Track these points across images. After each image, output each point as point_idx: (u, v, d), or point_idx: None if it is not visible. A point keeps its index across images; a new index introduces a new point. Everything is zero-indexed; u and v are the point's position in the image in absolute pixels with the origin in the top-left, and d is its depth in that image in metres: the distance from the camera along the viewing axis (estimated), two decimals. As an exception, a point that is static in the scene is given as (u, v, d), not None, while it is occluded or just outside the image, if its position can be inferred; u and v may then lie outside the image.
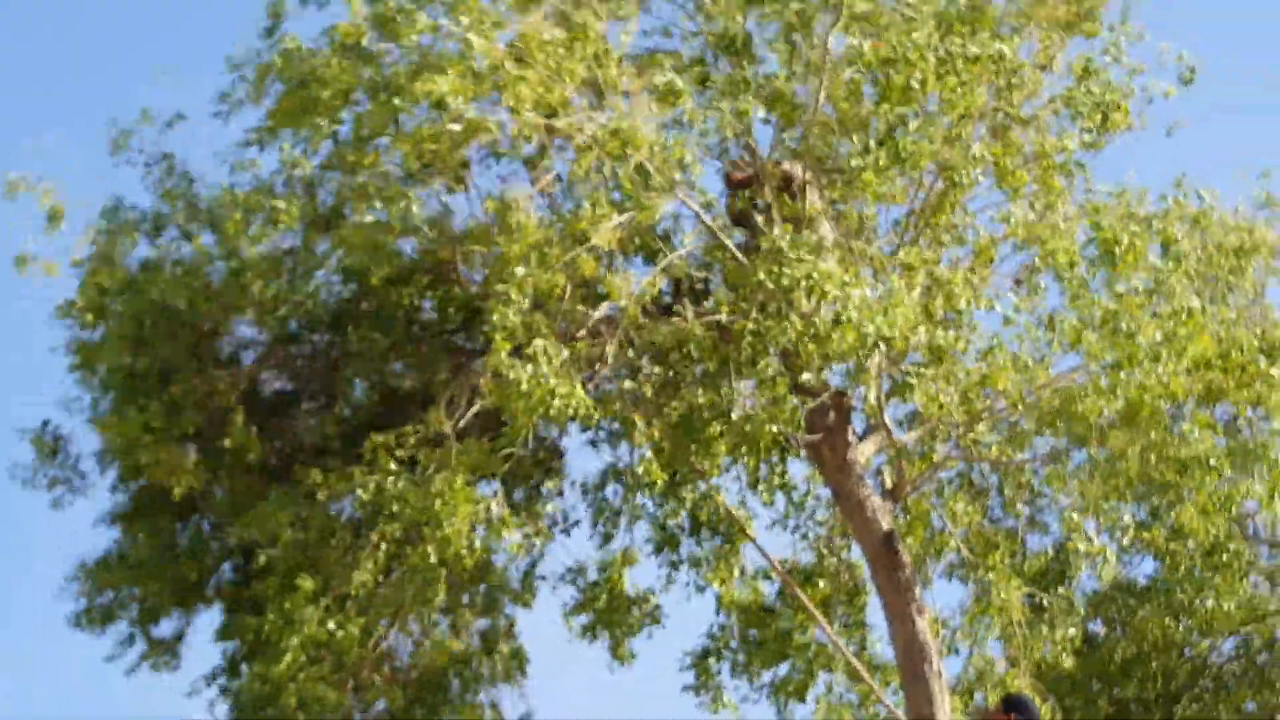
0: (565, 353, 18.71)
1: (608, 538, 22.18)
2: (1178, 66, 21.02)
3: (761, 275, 18.71)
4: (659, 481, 20.01)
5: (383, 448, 19.73)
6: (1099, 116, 20.85)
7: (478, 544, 19.64)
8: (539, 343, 18.41)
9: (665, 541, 22.32)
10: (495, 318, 18.43)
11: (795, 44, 20.32)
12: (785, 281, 18.37)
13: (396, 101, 18.98)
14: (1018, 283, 21.01)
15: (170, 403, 20.87)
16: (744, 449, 19.37)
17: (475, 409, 19.91)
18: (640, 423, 19.86)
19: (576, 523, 22.32)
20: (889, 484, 20.88)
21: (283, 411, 21.86)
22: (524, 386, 18.16)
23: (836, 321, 18.19)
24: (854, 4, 19.66)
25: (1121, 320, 19.20)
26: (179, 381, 20.97)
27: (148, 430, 20.72)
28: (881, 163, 19.18)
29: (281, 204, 19.88)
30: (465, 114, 18.75)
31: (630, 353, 19.93)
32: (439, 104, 18.60)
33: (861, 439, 20.83)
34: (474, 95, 18.64)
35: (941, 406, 19.61)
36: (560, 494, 22.33)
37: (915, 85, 18.94)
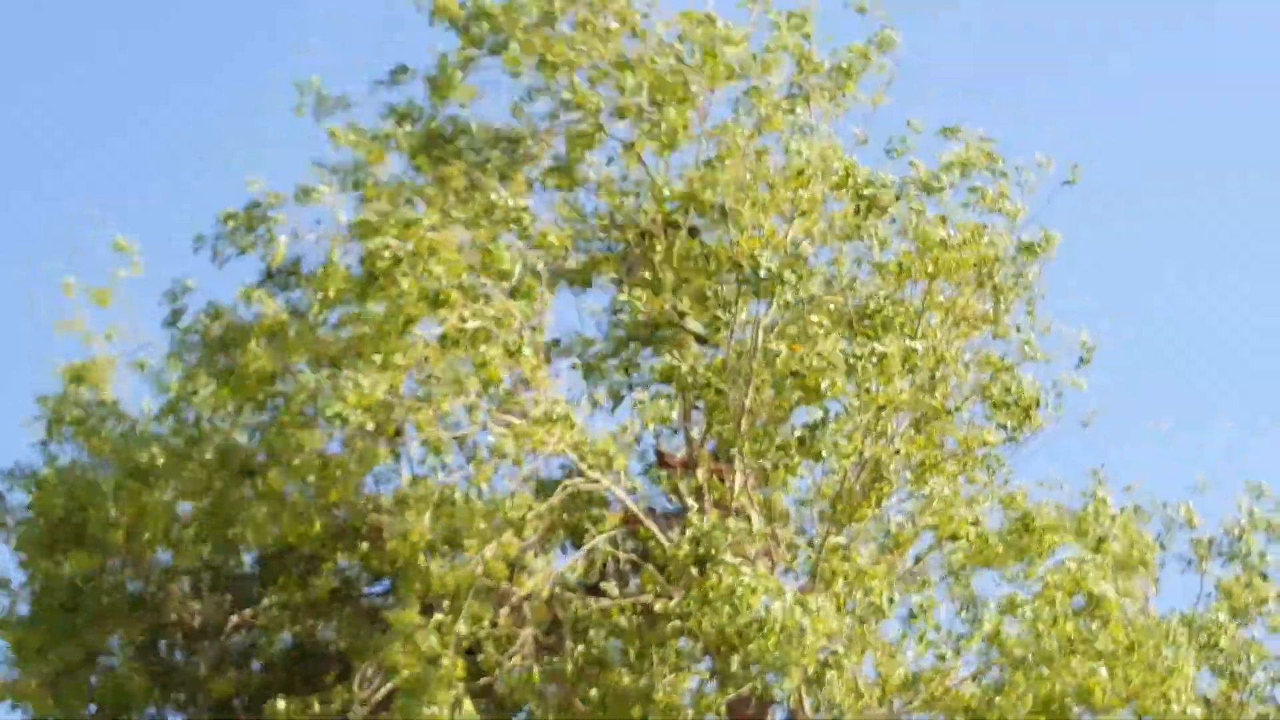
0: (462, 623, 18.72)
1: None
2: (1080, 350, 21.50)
3: (684, 552, 18.96)
4: None
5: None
6: (1019, 412, 21.27)
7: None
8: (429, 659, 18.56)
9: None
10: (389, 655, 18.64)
11: (718, 330, 20.81)
12: (709, 584, 18.59)
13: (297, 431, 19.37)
14: (912, 573, 21.20)
15: (67, 631, 20.78)
16: (665, 736, 19.36)
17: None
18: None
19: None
20: (808, 776, 20.82)
21: (192, 655, 21.66)
22: None
23: (759, 628, 18.37)
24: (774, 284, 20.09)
25: (1040, 616, 19.40)
26: (82, 607, 20.92)
27: (32, 656, 20.67)
28: (798, 463, 19.59)
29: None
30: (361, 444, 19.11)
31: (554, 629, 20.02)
32: (340, 419, 18.93)
33: (783, 728, 20.85)
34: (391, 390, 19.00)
35: (860, 696, 19.71)
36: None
37: (826, 387, 19.40)
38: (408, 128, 21.34)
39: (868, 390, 19.53)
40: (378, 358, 18.75)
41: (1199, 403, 32.68)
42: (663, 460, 21.28)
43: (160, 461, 20.69)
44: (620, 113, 21.22)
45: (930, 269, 21.07)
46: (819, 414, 19.88)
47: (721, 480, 20.68)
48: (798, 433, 19.93)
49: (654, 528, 20.24)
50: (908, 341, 19.90)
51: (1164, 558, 21.45)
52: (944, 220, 21.37)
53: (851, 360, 19.43)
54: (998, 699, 19.61)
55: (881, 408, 19.77)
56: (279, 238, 20.27)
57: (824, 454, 19.57)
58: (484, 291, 19.56)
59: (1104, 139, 37.61)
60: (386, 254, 19.09)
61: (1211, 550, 21.30)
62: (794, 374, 19.49)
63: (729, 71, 21.06)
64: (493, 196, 20.35)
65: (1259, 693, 21.19)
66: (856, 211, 21.02)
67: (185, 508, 21.00)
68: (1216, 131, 40.50)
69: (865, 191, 21.08)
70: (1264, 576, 21.18)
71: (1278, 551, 21.41)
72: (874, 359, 19.44)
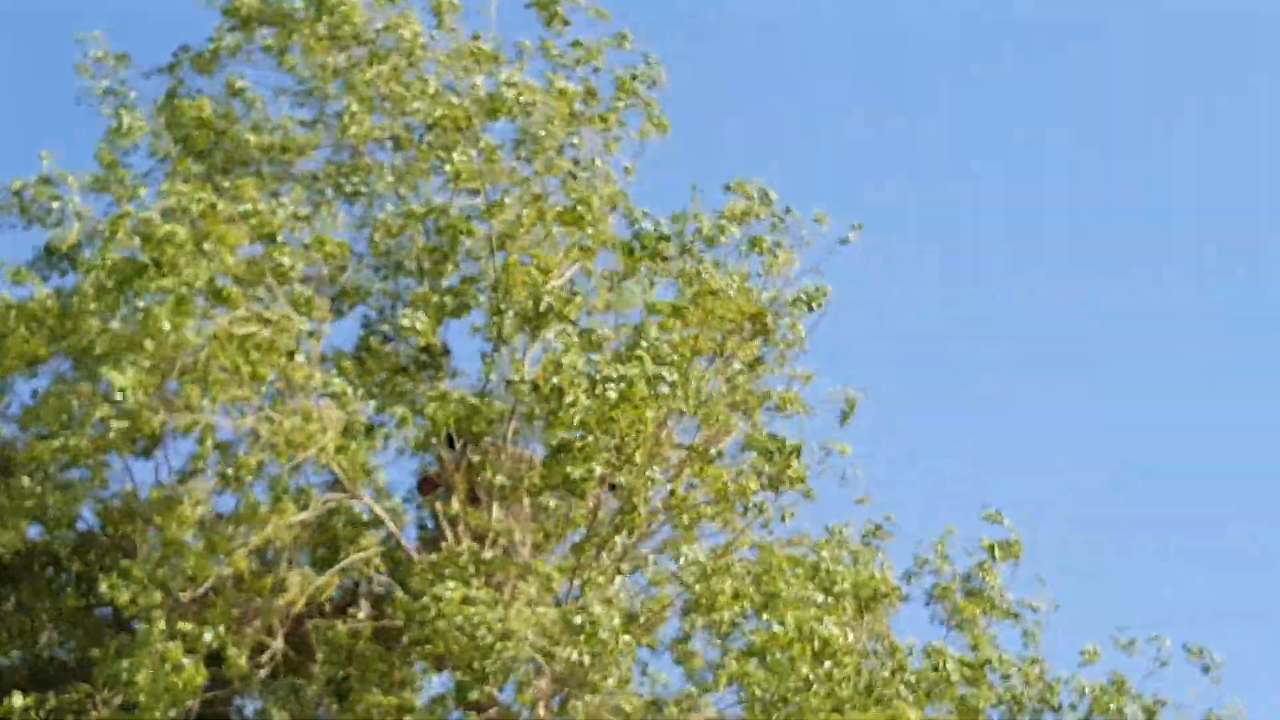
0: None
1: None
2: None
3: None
4: None
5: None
6: (781, 461, 21.44)
7: None
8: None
9: None
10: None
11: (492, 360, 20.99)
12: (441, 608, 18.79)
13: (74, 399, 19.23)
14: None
15: None
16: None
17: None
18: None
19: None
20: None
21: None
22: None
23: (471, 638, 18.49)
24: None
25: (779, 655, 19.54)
26: None
27: None
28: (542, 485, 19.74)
29: None
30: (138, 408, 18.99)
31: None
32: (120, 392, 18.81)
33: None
34: (155, 388, 18.95)
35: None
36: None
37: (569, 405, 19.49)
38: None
39: (612, 417, 19.69)
40: (149, 344, 18.63)
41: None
42: (424, 485, 21.36)
43: None
44: (397, 140, 21.46)
45: (702, 314, 21.35)
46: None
47: (477, 506, 20.80)
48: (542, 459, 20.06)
49: (410, 550, 20.35)
50: (653, 367, 20.04)
51: (911, 591, 21.77)
52: (717, 266, 21.70)
53: (595, 379, 19.57)
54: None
55: (625, 435, 19.92)
56: (69, 219, 20.25)
57: (570, 477, 19.62)
58: (265, 294, 19.61)
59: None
60: (175, 240, 19.01)
61: (957, 585, 21.66)
62: (534, 387, 19.64)
63: (507, 107, 21.33)
64: (276, 203, 20.44)
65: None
66: (630, 253, 21.35)
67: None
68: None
69: (646, 243, 21.48)
70: (1006, 611, 21.60)
71: (1020, 579, 21.81)
72: (617, 381, 19.59)
